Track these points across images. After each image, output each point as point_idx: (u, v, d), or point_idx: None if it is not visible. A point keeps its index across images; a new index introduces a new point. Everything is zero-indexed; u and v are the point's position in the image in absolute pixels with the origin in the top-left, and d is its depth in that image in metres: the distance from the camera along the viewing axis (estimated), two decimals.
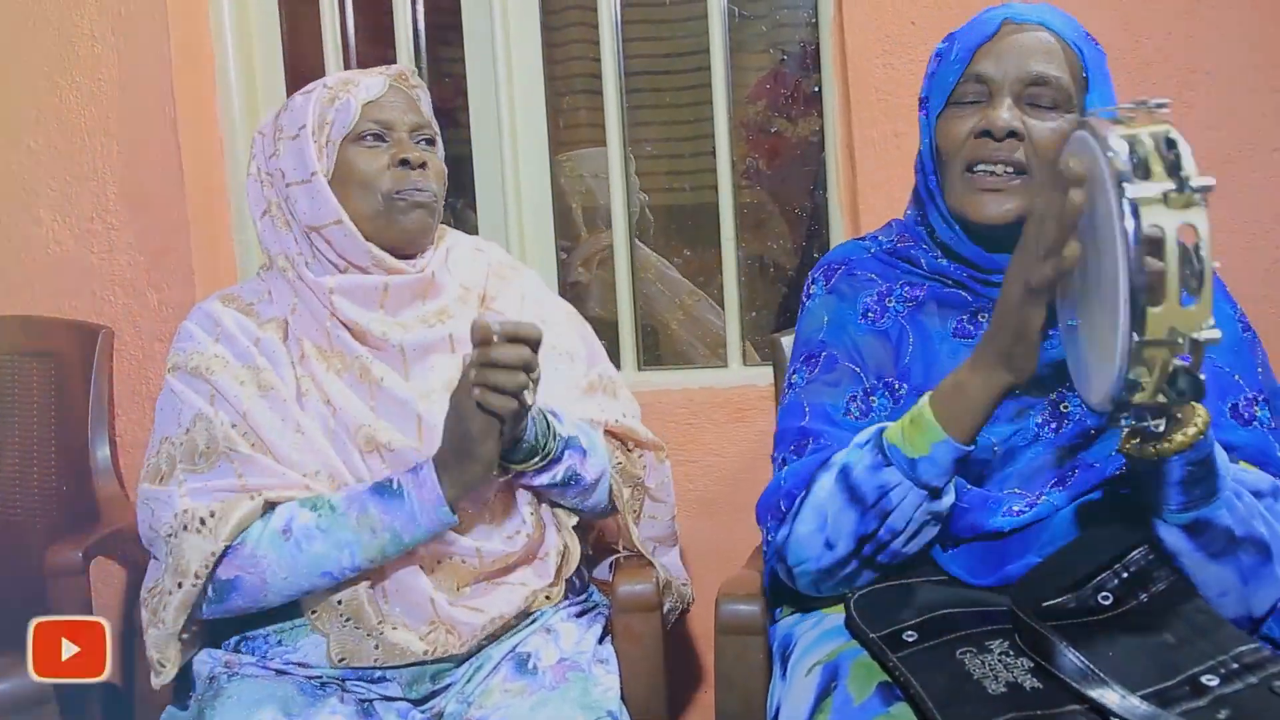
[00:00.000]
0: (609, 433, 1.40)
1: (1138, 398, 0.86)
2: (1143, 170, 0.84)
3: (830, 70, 1.83)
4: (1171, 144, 0.85)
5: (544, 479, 1.27)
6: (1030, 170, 1.11)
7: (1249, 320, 1.19)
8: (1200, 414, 0.94)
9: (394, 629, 1.22)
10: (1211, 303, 0.84)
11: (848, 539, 1.08)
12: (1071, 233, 0.90)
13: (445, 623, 1.23)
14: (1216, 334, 0.83)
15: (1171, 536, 1.00)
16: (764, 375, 1.83)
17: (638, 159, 2.13)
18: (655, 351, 2.21)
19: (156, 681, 1.23)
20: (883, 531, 1.07)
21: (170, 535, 1.20)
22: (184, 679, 1.26)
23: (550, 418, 1.27)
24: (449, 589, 1.26)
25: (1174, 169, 0.84)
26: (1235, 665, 0.94)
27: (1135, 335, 0.83)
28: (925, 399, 1.05)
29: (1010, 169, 1.12)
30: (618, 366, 1.94)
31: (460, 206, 2.17)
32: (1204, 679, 0.93)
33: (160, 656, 1.22)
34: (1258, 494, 1.02)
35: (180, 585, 1.18)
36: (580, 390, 1.40)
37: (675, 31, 2.16)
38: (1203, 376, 0.86)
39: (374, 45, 2.15)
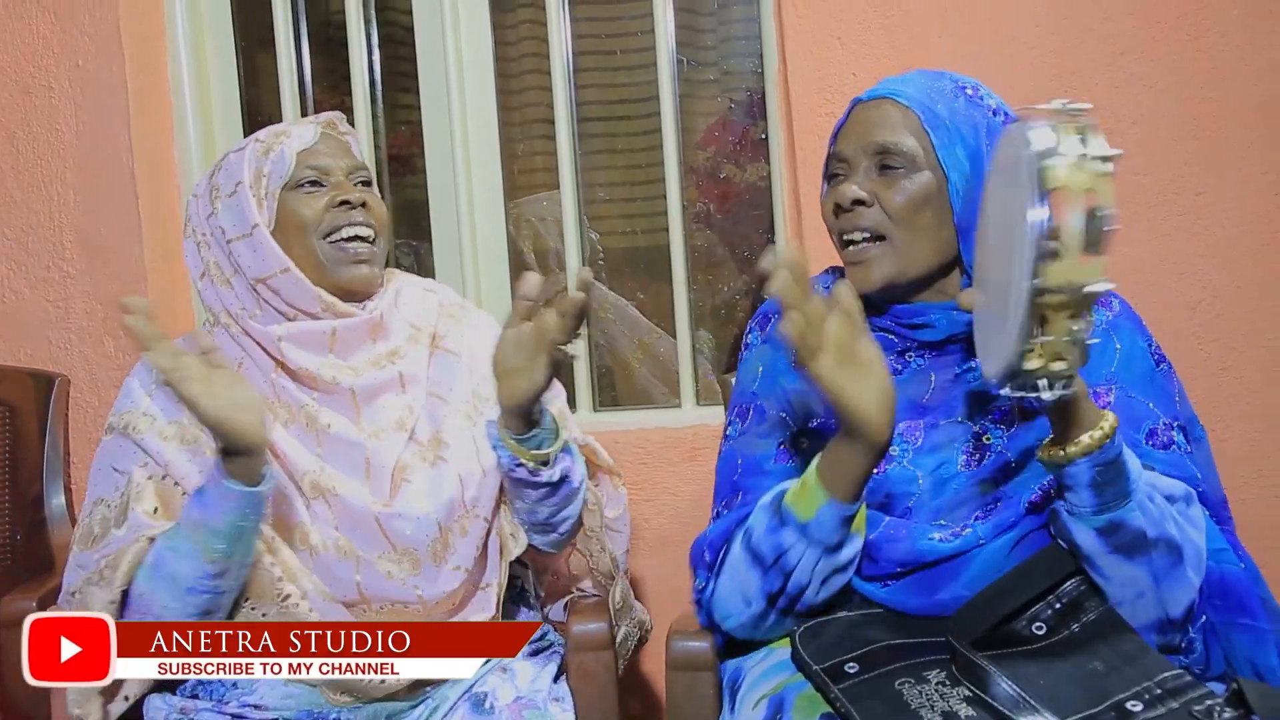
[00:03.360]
0: None
1: (1032, 363, 0.93)
2: (1055, 145, 0.92)
3: (776, 118, 1.89)
4: (1085, 130, 0.92)
5: (544, 475, 1.28)
6: (886, 232, 1.18)
7: (1168, 356, 1.24)
8: (1108, 419, 1.01)
9: None
10: (1105, 262, 0.90)
11: (758, 597, 1.14)
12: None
13: None
14: (1109, 285, 0.90)
15: (1087, 539, 1.04)
16: (716, 415, 1.86)
17: (591, 203, 2.17)
18: (611, 392, 2.24)
19: None
20: (790, 587, 1.12)
21: (75, 593, 1.22)
22: None
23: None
24: None
25: (1083, 144, 0.91)
26: (1159, 691, 0.98)
27: (1038, 282, 0.90)
28: (815, 462, 1.10)
29: (868, 235, 1.19)
30: (573, 407, 1.97)
31: (425, 251, 2.20)
32: (1129, 705, 0.97)
33: (82, 712, 1.22)
34: (1170, 499, 1.07)
35: None
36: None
37: (627, 79, 2.22)
38: (1091, 341, 0.93)
39: (331, 93, 2.18)
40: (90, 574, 1.22)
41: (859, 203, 1.18)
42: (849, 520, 1.09)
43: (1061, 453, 1.01)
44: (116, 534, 1.23)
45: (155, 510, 1.25)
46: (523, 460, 1.25)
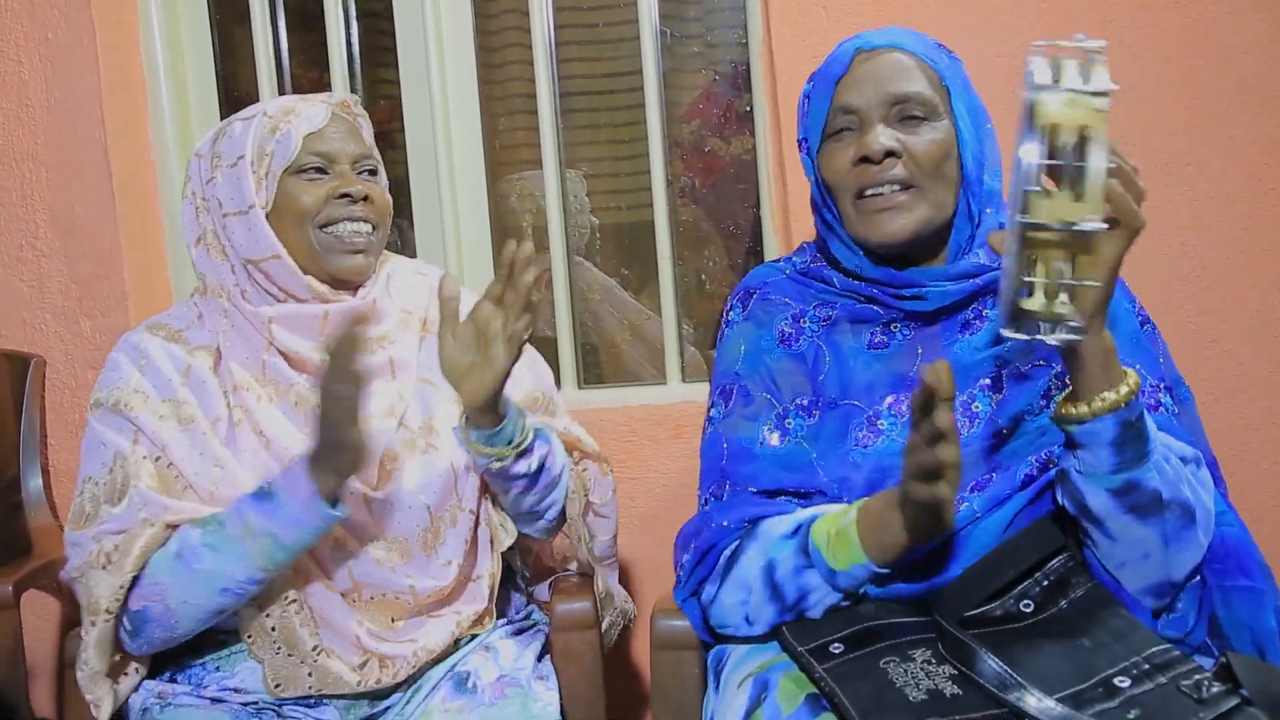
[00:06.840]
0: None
1: (1030, 304, 0.92)
2: (1052, 80, 0.91)
3: (760, 90, 1.86)
4: (1090, 65, 0.91)
5: (520, 467, 1.26)
6: (916, 181, 1.16)
7: (1153, 319, 1.24)
8: (1131, 375, 1.00)
9: (327, 657, 1.21)
10: (1099, 200, 0.90)
11: (764, 624, 1.14)
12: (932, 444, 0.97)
13: (377, 655, 1.23)
14: (1100, 225, 0.89)
15: (1099, 500, 1.03)
16: (702, 391, 1.85)
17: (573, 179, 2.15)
18: (596, 370, 2.22)
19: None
20: (797, 615, 1.13)
21: (80, 575, 1.20)
22: (117, 712, 1.24)
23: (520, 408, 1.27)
24: (382, 623, 1.26)
25: (1083, 80, 0.91)
26: (1146, 666, 0.98)
27: (1025, 218, 0.90)
28: (854, 515, 1.08)
29: (896, 186, 1.16)
30: (558, 385, 1.95)
31: (405, 227, 2.17)
32: (1117, 680, 0.97)
33: (94, 697, 1.20)
34: (1183, 460, 1.06)
35: (94, 623, 1.17)
36: (522, 403, 1.39)
37: (610, 52, 2.18)
38: (1090, 284, 0.92)
39: (308, 67, 2.14)
40: (92, 556, 1.19)
41: (890, 154, 1.15)
42: (877, 575, 1.08)
43: (1086, 408, 0.99)
44: (113, 511, 1.21)
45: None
46: (483, 457, 1.24)
